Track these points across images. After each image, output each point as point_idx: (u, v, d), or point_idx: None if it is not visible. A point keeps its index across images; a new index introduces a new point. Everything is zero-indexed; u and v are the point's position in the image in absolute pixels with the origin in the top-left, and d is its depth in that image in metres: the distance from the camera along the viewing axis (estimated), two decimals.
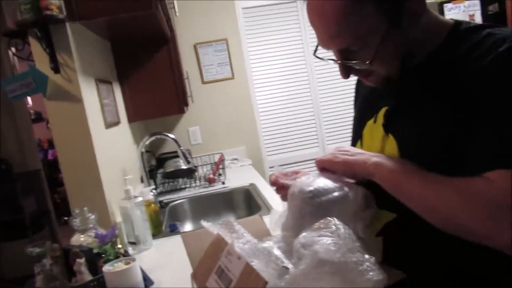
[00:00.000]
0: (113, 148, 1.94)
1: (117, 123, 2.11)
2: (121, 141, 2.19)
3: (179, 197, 2.44)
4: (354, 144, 1.03)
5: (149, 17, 1.77)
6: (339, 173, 0.85)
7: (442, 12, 3.55)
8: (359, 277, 0.68)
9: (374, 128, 0.91)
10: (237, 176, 2.75)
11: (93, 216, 1.47)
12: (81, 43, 1.67)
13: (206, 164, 2.78)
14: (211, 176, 2.62)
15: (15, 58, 3.61)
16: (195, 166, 2.66)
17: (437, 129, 0.76)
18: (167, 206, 2.30)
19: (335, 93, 3.64)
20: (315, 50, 0.88)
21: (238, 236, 0.93)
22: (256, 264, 0.78)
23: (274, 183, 0.97)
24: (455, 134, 0.73)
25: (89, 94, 1.67)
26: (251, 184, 2.46)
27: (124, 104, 2.46)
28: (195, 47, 3.33)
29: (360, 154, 0.83)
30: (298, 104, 3.61)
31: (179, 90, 2.56)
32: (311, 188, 0.84)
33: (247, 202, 2.37)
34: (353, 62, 0.81)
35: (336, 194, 0.83)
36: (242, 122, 3.49)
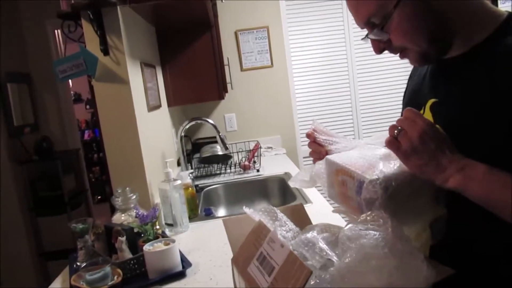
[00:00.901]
0: (154, 131, 1.98)
1: (158, 106, 2.15)
2: (161, 125, 2.23)
3: (214, 183, 2.47)
4: None
5: (197, 1, 1.78)
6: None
7: (496, 4, 3.41)
8: (408, 272, 0.67)
9: None
10: (271, 165, 2.76)
11: (134, 196, 1.52)
12: (129, 27, 1.71)
13: (241, 151, 2.80)
14: (246, 163, 2.63)
15: (65, 40, 3.73)
16: (231, 153, 2.68)
17: (489, 121, 0.74)
18: (202, 190, 2.33)
19: (375, 86, 3.58)
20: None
21: (281, 224, 0.94)
22: (299, 254, 0.78)
23: (309, 135, 0.94)
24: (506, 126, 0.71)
25: (135, 76, 1.71)
26: (286, 173, 2.46)
27: (165, 88, 2.50)
28: (235, 34, 3.33)
29: (436, 157, 0.72)
30: (336, 95, 3.57)
31: (219, 77, 2.58)
32: (393, 183, 0.78)
33: (281, 191, 2.38)
34: (374, 32, 0.81)
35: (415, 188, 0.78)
36: (278, 110, 3.49)
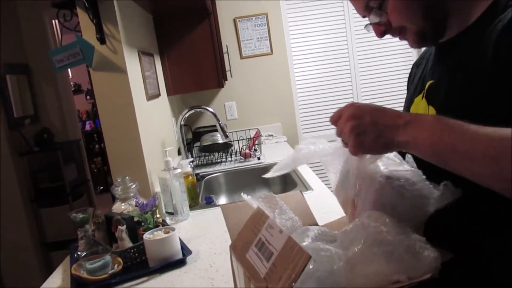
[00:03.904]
0: (153, 120, 1.97)
1: (157, 95, 2.14)
2: (161, 114, 2.22)
3: (215, 171, 2.47)
4: None
5: None
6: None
7: None
8: (415, 257, 0.67)
9: (420, 102, 0.90)
10: (272, 152, 2.75)
11: (134, 185, 1.51)
12: (126, 15, 1.69)
13: (241, 139, 2.79)
14: (247, 151, 2.63)
15: (61, 29, 3.69)
16: (231, 141, 2.67)
17: (474, 98, 0.73)
18: (203, 179, 2.33)
19: (376, 72, 3.55)
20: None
21: (281, 212, 0.94)
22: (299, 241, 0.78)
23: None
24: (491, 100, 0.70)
25: (133, 65, 1.70)
26: None
27: (164, 77, 2.49)
28: (234, 21, 3.31)
29: (377, 124, 0.71)
30: (337, 82, 3.55)
31: (218, 65, 2.56)
32: (402, 181, 0.78)
33: (282, 178, 2.37)
34: (373, 14, 0.83)
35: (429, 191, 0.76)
36: (278, 98, 3.48)
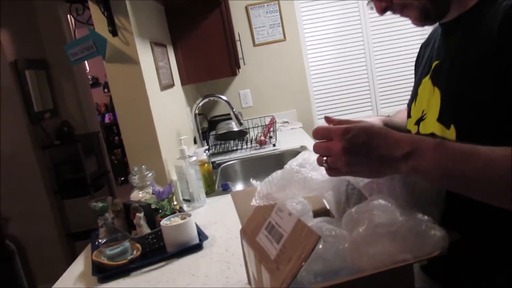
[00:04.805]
0: (168, 110, 2.00)
1: (171, 85, 2.17)
2: (175, 104, 2.25)
3: (231, 159, 2.49)
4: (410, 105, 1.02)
5: None
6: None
7: None
8: (421, 237, 0.68)
9: (426, 83, 0.90)
10: (287, 139, 2.76)
11: (150, 174, 1.55)
12: (137, 7, 1.71)
13: (257, 127, 2.81)
14: (262, 138, 2.64)
15: (74, 23, 3.74)
16: (246, 129, 2.69)
17: (478, 79, 0.73)
18: (219, 167, 2.36)
19: (391, 55, 3.50)
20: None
21: (292, 195, 0.95)
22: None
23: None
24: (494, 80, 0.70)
25: (145, 56, 1.72)
26: (302, 147, 2.46)
27: (177, 67, 2.51)
28: (246, 8, 3.30)
29: (374, 160, 0.68)
30: (352, 66, 3.51)
31: (231, 53, 2.57)
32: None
33: None
34: None
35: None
36: (293, 84, 3.47)
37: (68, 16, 3.84)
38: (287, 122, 3.33)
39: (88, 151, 3.81)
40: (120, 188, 5.65)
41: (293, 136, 2.90)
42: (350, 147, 0.67)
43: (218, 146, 2.73)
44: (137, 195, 1.54)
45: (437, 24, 0.97)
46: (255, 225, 0.93)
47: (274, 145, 2.61)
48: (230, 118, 2.91)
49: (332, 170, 0.71)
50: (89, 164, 3.77)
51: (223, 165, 2.40)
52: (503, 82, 0.68)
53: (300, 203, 0.98)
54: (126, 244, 1.25)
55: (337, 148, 0.68)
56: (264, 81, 3.43)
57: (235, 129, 2.64)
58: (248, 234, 0.94)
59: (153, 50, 1.86)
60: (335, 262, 0.76)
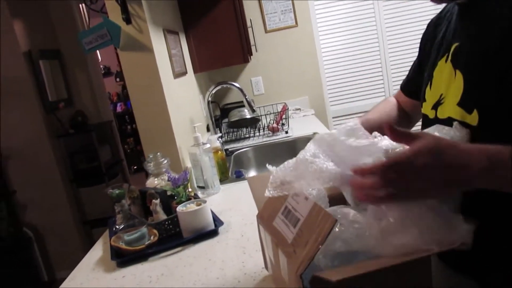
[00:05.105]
0: (181, 98, 2.01)
1: (184, 73, 2.17)
2: (188, 91, 2.26)
3: (243, 146, 2.50)
4: (413, 86, 1.05)
5: None
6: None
7: None
8: (447, 227, 0.67)
9: (444, 66, 0.88)
10: (300, 126, 2.76)
11: (166, 161, 1.56)
12: None
13: (269, 114, 2.81)
14: (275, 125, 2.64)
15: (88, 12, 3.75)
16: (259, 116, 2.69)
17: (503, 63, 0.71)
18: (232, 154, 2.37)
19: (404, 40, 3.46)
20: None
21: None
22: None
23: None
24: None
25: (158, 44, 1.72)
26: (315, 134, 2.46)
27: (189, 55, 2.51)
28: None
29: (435, 168, 0.64)
30: (364, 51, 3.48)
31: (243, 40, 2.57)
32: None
33: None
34: None
35: None
36: (305, 71, 3.45)
37: (81, 5, 3.86)
38: (299, 109, 3.32)
39: (102, 140, 3.85)
40: (133, 177, 5.71)
41: (305, 123, 2.89)
42: (418, 176, 0.64)
43: (231, 134, 2.73)
44: (153, 182, 1.55)
45: (451, 3, 0.95)
46: (272, 209, 0.94)
47: (286, 132, 2.61)
48: (242, 106, 2.91)
49: (395, 198, 0.67)
50: (103, 153, 3.81)
51: (236, 152, 2.41)
52: None
53: (316, 189, 0.98)
54: (144, 229, 1.27)
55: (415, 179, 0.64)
56: (276, 68, 3.42)
57: (248, 116, 2.64)
58: (265, 218, 0.95)
59: (166, 38, 1.86)
60: (356, 244, 0.76)
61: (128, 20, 1.56)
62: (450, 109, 0.82)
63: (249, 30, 2.95)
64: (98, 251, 1.36)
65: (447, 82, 0.84)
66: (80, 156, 3.68)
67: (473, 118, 0.76)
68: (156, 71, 1.62)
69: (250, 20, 3.12)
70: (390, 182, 0.64)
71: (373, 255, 0.74)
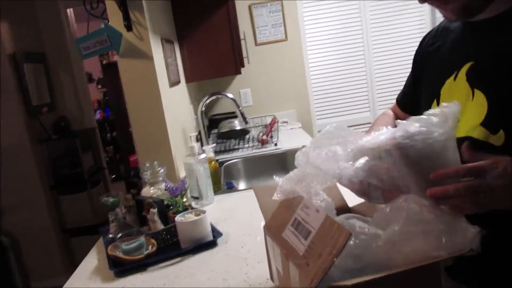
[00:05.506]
0: (176, 107, 2.00)
1: (178, 82, 2.17)
2: (181, 101, 2.25)
3: (233, 157, 2.49)
4: (408, 101, 1.07)
5: None
6: None
7: None
8: (454, 234, 0.69)
9: (454, 85, 0.89)
10: (288, 139, 2.78)
11: (162, 170, 1.55)
12: (150, 2, 1.71)
13: (257, 126, 2.82)
14: (264, 137, 2.65)
15: (88, 17, 3.71)
16: (249, 128, 2.70)
17: None
18: (222, 165, 2.37)
19: (390, 57, 3.54)
20: None
21: (315, 193, 0.97)
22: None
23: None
24: None
25: (157, 52, 1.72)
26: (304, 146, 2.48)
27: (182, 64, 2.51)
28: (249, 7, 3.31)
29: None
30: (351, 67, 3.55)
31: (236, 51, 2.58)
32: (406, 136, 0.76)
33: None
34: None
35: None
36: (293, 85, 3.49)
37: (68, 10, 3.82)
38: (286, 122, 3.35)
39: (85, 146, 3.78)
40: (113, 185, 5.60)
41: (293, 136, 2.92)
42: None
43: (220, 145, 2.73)
44: (149, 191, 1.54)
45: (443, 21, 0.98)
46: (280, 221, 0.94)
47: (275, 144, 2.62)
48: (231, 117, 2.92)
49: (478, 206, 0.69)
50: (86, 159, 3.75)
51: (226, 163, 2.41)
52: None
53: (324, 201, 0.99)
54: (142, 239, 1.25)
55: (498, 184, 0.67)
56: (264, 81, 3.45)
57: (238, 127, 2.65)
58: (273, 230, 0.95)
59: (163, 46, 1.86)
60: (366, 258, 0.77)
61: (129, 27, 1.56)
62: (468, 128, 0.82)
63: (242, 42, 2.97)
64: (93, 259, 1.33)
65: (463, 102, 0.84)
66: (62, 162, 3.60)
67: (498, 139, 0.77)
68: (155, 79, 1.62)
69: (244, 32, 3.15)
70: (471, 187, 0.67)
71: (383, 266, 0.75)
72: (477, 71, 0.84)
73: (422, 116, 0.76)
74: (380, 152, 0.81)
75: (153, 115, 1.63)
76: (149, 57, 1.59)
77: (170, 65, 1.98)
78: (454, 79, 0.89)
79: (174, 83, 2.02)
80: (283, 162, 2.50)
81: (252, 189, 1.90)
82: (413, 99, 1.07)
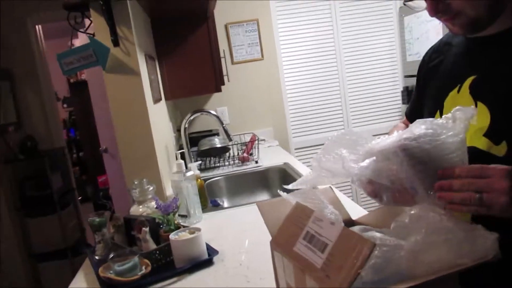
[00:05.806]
0: (159, 124, 1.96)
1: (159, 99, 2.13)
2: (163, 118, 2.21)
3: (214, 175, 2.46)
4: (416, 115, 1.07)
5: None
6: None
7: None
8: (475, 242, 0.70)
9: (458, 97, 0.91)
10: (267, 156, 2.77)
11: (151, 188, 1.50)
12: (136, 17, 1.69)
13: (237, 144, 2.80)
14: (245, 155, 2.64)
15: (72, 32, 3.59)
16: (230, 145, 2.68)
17: None
18: (204, 183, 2.32)
19: (363, 77, 3.64)
20: None
21: (324, 206, 0.96)
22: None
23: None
24: None
25: (143, 68, 1.69)
26: (285, 163, 2.48)
27: (161, 82, 2.48)
28: (226, 27, 3.33)
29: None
30: (325, 86, 3.62)
31: (216, 69, 2.57)
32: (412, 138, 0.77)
33: (282, 180, 2.40)
34: None
35: None
36: (269, 103, 3.51)
37: (37, 27, 3.71)
38: (263, 140, 3.35)
39: (53, 167, 3.64)
40: (81, 207, 5.40)
41: (272, 154, 2.91)
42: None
43: (200, 163, 2.69)
44: (137, 210, 1.48)
45: (444, 36, 1.01)
46: (288, 235, 0.92)
47: (256, 162, 2.61)
48: (210, 135, 2.90)
49: (482, 208, 0.71)
50: (55, 180, 3.59)
51: (208, 181, 2.37)
52: None
53: (333, 214, 0.99)
54: (136, 259, 1.20)
55: (501, 186, 0.68)
56: (241, 99, 3.45)
57: (218, 145, 2.62)
58: (282, 244, 0.93)
59: (147, 63, 1.83)
60: (387, 270, 0.77)
61: (115, 42, 1.52)
62: (471, 138, 0.84)
63: (222, 60, 2.97)
64: (81, 282, 1.26)
65: None
66: (30, 183, 3.44)
67: (500, 149, 0.79)
68: (142, 95, 1.58)
69: (223, 50, 3.15)
70: (475, 184, 0.70)
71: (404, 276, 0.75)
72: (480, 84, 0.86)
73: (428, 119, 0.78)
74: (388, 154, 0.81)
75: (140, 131, 1.59)
76: (136, 73, 1.56)
77: (153, 81, 1.95)
78: (458, 91, 0.91)
79: (157, 99, 1.99)
80: (264, 179, 2.49)
81: (238, 207, 1.88)
82: (420, 113, 1.09)
